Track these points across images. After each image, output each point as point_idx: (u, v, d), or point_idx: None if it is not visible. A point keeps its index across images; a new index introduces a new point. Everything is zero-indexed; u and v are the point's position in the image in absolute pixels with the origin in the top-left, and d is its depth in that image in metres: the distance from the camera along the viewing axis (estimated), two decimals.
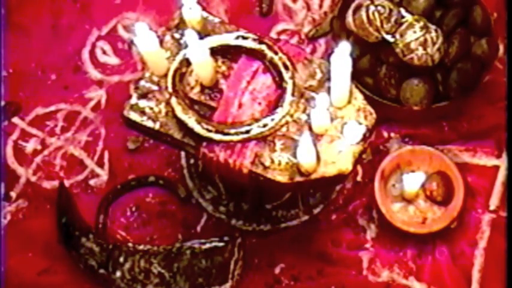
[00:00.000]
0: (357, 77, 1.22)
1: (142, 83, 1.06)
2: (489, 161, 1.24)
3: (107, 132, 1.28)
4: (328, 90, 1.03)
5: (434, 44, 1.18)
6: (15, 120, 1.30)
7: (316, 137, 1.02)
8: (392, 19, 1.19)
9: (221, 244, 1.19)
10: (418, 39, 1.18)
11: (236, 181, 1.05)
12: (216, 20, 1.08)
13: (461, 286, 1.18)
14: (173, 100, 1.04)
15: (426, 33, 1.18)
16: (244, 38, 1.06)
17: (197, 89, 1.06)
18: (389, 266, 1.20)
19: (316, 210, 1.21)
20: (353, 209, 1.23)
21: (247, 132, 1.02)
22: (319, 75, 1.05)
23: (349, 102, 1.03)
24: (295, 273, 1.20)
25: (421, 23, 1.18)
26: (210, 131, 1.02)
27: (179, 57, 1.05)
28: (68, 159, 1.27)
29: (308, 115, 1.02)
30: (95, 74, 1.31)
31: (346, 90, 1.02)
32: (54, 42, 1.34)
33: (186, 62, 1.05)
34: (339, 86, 1.01)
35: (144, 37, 1.00)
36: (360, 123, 1.03)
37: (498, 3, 1.29)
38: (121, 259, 1.19)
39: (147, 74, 1.06)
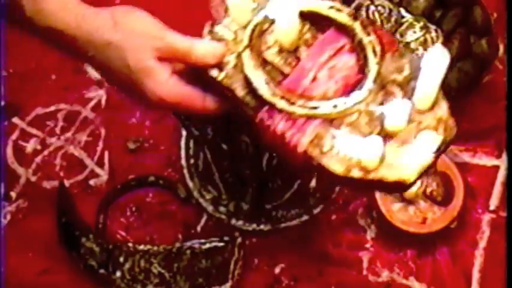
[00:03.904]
0: None
1: (218, 28, 1.00)
2: (489, 161, 1.24)
3: (107, 132, 1.28)
4: (413, 91, 0.94)
5: (434, 44, 1.18)
6: (15, 120, 1.30)
7: (386, 136, 0.92)
8: (393, 19, 1.19)
9: (221, 244, 1.19)
10: (418, 39, 1.18)
11: (285, 161, 0.96)
12: None
13: (461, 286, 1.18)
14: (246, 53, 0.97)
15: (426, 33, 1.18)
16: (338, 10, 0.98)
17: (274, 49, 0.98)
18: (389, 266, 1.20)
19: (316, 210, 1.21)
20: (353, 209, 1.23)
21: (315, 108, 0.93)
22: (406, 72, 0.96)
23: (432, 108, 0.94)
24: (295, 273, 1.20)
25: (421, 23, 1.18)
26: (275, 95, 0.94)
27: (265, 12, 0.98)
28: (68, 159, 1.27)
29: (384, 110, 0.93)
30: (95, 74, 1.31)
31: (433, 94, 0.94)
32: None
33: (270, 19, 0.98)
34: (426, 87, 0.93)
35: None
36: (438, 134, 0.93)
37: (498, 3, 1.29)
38: (121, 259, 1.19)
39: (226, 21, 1.00)
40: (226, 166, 1.20)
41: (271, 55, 0.98)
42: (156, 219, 1.24)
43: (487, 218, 1.21)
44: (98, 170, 1.27)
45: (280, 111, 0.93)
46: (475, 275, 1.18)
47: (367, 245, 1.21)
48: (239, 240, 1.19)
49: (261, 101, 0.95)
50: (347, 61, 0.97)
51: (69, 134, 1.29)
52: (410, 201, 1.20)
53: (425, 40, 1.17)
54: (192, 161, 1.24)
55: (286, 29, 0.96)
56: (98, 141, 1.28)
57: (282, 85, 0.95)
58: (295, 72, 0.96)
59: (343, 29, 0.98)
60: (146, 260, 1.19)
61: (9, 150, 1.28)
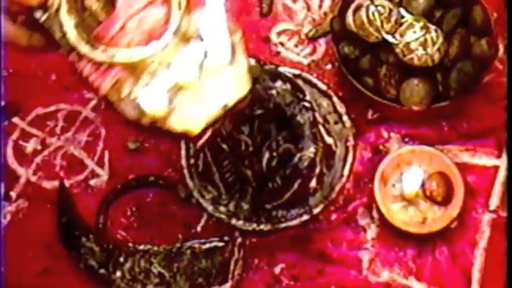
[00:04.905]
0: (357, 77, 1.23)
1: None
2: (489, 161, 1.24)
3: (107, 132, 1.28)
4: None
5: (434, 44, 1.18)
6: (15, 120, 1.30)
7: (179, 88, 0.97)
8: (393, 19, 1.19)
9: (221, 244, 1.20)
10: (418, 39, 1.18)
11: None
12: None
13: (461, 286, 1.18)
14: None
15: (426, 33, 1.18)
16: None
17: None
18: (389, 266, 1.20)
19: (316, 210, 1.22)
20: (353, 209, 1.23)
21: (113, 56, 0.97)
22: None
23: (230, 63, 0.99)
24: (295, 273, 1.20)
25: (421, 23, 1.18)
26: (80, 40, 0.98)
27: None
28: (68, 159, 1.27)
29: (178, 63, 0.97)
30: None
31: (224, 50, 0.98)
32: (55, 42, 1.33)
33: None
34: (215, 44, 0.97)
35: None
36: (233, 90, 0.99)
37: (498, 3, 1.29)
38: (121, 259, 1.19)
39: None
40: (226, 166, 1.20)
41: (90, 1, 1.00)
42: (156, 219, 1.24)
43: (487, 218, 1.21)
44: (98, 170, 1.27)
45: (85, 55, 0.98)
46: (475, 275, 1.18)
47: (367, 245, 1.21)
48: (239, 240, 1.19)
49: (72, 45, 0.98)
50: (157, 13, 0.99)
51: (69, 134, 1.29)
52: (410, 201, 1.20)
53: (425, 40, 1.18)
54: (192, 161, 1.24)
55: None
56: (98, 141, 1.28)
57: (94, 31, 0.98)
58: (107, 20, 0.99)
59: None
60: (146, 260, 1.19)
61: (9, 150, 1.28)
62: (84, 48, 0.98)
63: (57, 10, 0.99)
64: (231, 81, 0.99)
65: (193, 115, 0.97)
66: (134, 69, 0.97)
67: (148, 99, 0.96)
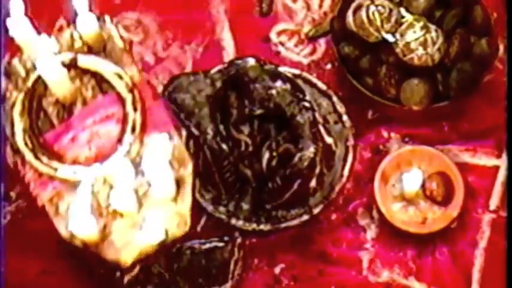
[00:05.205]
0: (357, 77, 1.23)
1: (15, 61, 1.01)
2: (489, 161, 1.24)
3: None
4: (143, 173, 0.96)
5: (434, 44, 1.18)
6: None
7: (116, 215, 0.95)
8: (393, 19, 1.19)
9: (221, 244, 1.19)
10: (418, 39, 1.18)
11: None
12: (120, 44, 1.02)
13: (461, 286, 1.18)
14: (19, 96, 0.98)
15: (426, 33, 1.18)
16: (120, 77, 0.99)
17: (52, 98, 1.00)
18: (389, 266, 1.20)
19: (316, 210, 1.22)
20: (353, 209, 1.23)
21: (55, 170, 0.96)
22: (168, 155, 0.97)
23: (174, 200, 0.97)
24: (295, 273, 1.20)
25: (421, 23, 1.18)
26: (26, 145, 0.97)
27: (51, 57, 0.97)
28: None
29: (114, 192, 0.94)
30: None
31: (167, 189, 0.96)
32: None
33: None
34: (158, 180, 0.94)
35: (20, 24, 0.94)
36: (172, 226, 0.96)
37: (498, 3, 1.29)
38: None
39: (25, 56, 1.01)
40: (226, 166, 1.20)
41: (47, 103, 0.99)
42: None
43: (487, 218, 1.21)
44: None
45: (28, 162, 0.96)
46: (475, 275, 1.18)
47: (367, 245, 1.21)
48: (239, 240, 1.19)
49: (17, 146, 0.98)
50: (110, 130, 0.98)
51: None
52: (410, 201, 1.20)
53: (425, 40, 1.18)
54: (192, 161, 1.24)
55: (55, 82, 0.96)
56: None
57: (43, 136, 0.97)
58: (60, 127, 0.98)
59: (120, 98, 0.99)
60: None
61: (9, 150, 1.28)
62: (28, 155, 0.96)
63: (12, 106, 0.98)
64: (172, 216, 0.96)
65: (126, 246, 0.95)
66: (75, 186, 0.95)
67: (79, 222, 0.92)
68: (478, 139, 1.25)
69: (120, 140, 0.97)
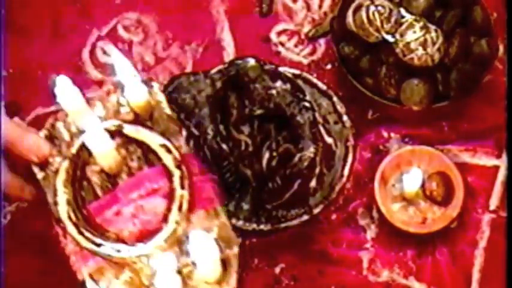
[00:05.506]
0: (357, 77, 1.23)
1: (60, 124, 0.99)
2: (489, 161, 1.24)
3: None
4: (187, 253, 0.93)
5: (434, 44, 1.18)
6: (15, 120, 1.30)
7: None
8: (392, 19, 1.19)
9: None
10: (418, 39, 1.18)
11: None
12: (168, 111, 0.99)
13: (461, 286, 1.18)
14: (64, 164, 0.95)
15: (426, 33, 1.18)
16: (168, 150, 0.96)
17: (97, 167, 0.97)
18: (389, 266, 1.20)
19: (316, 210, 1.21)
20: (353, 209, 1.23)
21: (98, 245, 0.94)
22: (213, 234, 0.95)
23: (219, 283, 0.94)
24: (295, 273, 1.20)
25: (421, 23, 1.18)
26: (69, 218, 0.94)
27: (97, 125, 0.95)
28: None
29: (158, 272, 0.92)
30: (95, 74, 1.31)
31: (213, 273, 0.93)
32: (54, 42, 1.34)
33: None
34: (204, 267, 0.91)
35: (67, 92, 0.92)
36: None
37: (498, 3, 1.29)
38: None
39: (69, 119, 0.98)
40: (226, 166, 1.20)
41: (91, 172, 0.96)
42: None
43: (487, 218, 1.21)
44: None
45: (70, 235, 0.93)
46: (475, 275, 1.18)
47: (367, 245, 1.21)
48: (239, 240, 1.19)
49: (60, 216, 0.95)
50: (156, 206, 0.94)
51: None
52: (410, 201, 1.20)
53: (425, 40, 1.18)
54: None
55: (101, 152, 0.93)
56: None
57: (87, 207, 0.94)
58: (104, 199, 0.95)
59: (167, 171, 0.95)
60: None
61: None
62: (70, 229, 0.94)
63: (56, 172, 0.95)
64: None
65: None
66: (117, 263, 0.93)
67: None
68: (478, 139, 1.25)
69: (165, 218, 0.94)
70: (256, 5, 1.34)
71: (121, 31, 1.34)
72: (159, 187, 0.95)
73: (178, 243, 0.93)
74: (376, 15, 1.19)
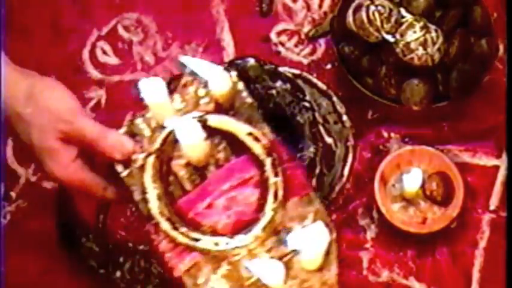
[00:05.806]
0: (357, 77, 1.23)
1: (139, 120, 0.97)
2: (489, 161, 1.24)
3: None
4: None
5: (434, 44, 1.18)
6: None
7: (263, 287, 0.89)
8: (393, 19, 1.19)
9: None
10: (418, 39, 1.18)
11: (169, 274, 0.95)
12: (249, 100, 0.96)
13: (461, 286, 1.18)
14: (150, 159, 0.93)
15: (426, 33, 1.18)
16: (256, 139, 0.93)
17: (182, 161, 0.94)
18: (389, 266, 1.20)
19: None
20: (353, 209, 1.23)
21: (196, 240, 0.91)
22: (308, 221, 0.93)
23: (320, 270, 0.91)
24: None
25: (421, 23, 1.18)
26: (162, 215, 0.92)
27: (187, 117, 0.93)
28: None
29: (270, 257, 0.90)
30: (95, 74, 1.31)
31: (317, 260, 0.90)
32: (54, 42, 1.34)
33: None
34: (310, 253, 0.89)
35: (152, 86, 0.90)
36: None
37: (498, 3, 1.29)
38: (121, 259, 1.19)
39: (148, 115, 0.96)
40: None
41: (177, 166, 0.94)
42: None
43: (487, 218, 1.21)
44: None
45: (164, 231, 0.92)
46: (475, 275, 1.18)
47: (367, 245, 1.21)
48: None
49: (151, 213, 0.93)
50: (248, 195, 0.92)
51: None
52: (410, 201, 1.20)
53: (425, 40, 1.18)
54: None
55: (191, 144, 0.91)
56: None
57: (177, 202, 0.92)
58: (194, 193, 0.93)
59: (256, 160, 0.93)
60: (146, 260, 1.19)
61: (9, 150, 1.28)
62: (164, 225, 0.91)
63: (141, 168, 0.93)
64: (317, 286, 0.91)
65: None
66: (214, 257, 0.91)
67: None
68: (478, 139, 1.25)
69: (261, 207, 0.92)
70: (256, 5, 1.34)
71: (121, 31, 1.34)
72: (250, 176, 0.93)
73: (275, 232, 0.91)
74: (376, 15, 1.19)
